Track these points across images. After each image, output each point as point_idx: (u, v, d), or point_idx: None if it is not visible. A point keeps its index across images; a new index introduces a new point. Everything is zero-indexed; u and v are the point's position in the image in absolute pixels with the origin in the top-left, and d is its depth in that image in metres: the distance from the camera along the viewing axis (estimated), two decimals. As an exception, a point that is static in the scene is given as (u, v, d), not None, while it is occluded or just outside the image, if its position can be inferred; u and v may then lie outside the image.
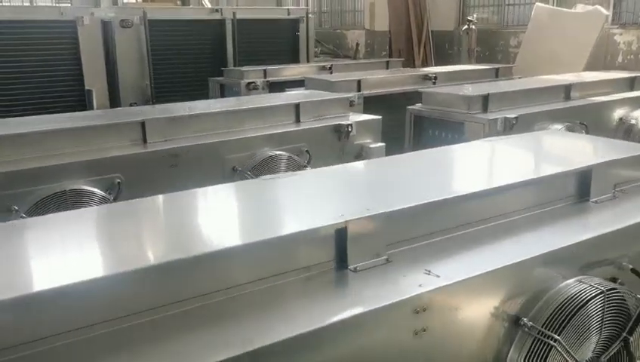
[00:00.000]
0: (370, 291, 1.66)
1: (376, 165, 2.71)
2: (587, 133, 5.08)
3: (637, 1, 9.76)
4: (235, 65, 9.39)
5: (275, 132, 4.09)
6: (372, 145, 4.48)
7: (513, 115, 4.64)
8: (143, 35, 8.78)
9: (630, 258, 2.17)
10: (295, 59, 10.44)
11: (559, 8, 10.24)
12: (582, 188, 2.40)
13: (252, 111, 4.28)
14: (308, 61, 10.56)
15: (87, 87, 8.41)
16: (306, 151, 4.13)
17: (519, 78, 7.53)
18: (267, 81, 7.86)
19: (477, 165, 2.54)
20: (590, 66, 9.10)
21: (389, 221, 1.85)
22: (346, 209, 1.86)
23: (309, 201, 2.04)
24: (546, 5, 10.38)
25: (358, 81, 6.41)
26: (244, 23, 9.76)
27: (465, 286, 1.72)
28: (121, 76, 8.81)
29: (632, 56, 9.68)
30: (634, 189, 2.55)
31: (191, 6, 11.72)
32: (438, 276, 1.71)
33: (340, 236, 1.76)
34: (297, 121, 4.43)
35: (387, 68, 9.37)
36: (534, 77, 6.72)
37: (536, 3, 10.44)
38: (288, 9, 10.64)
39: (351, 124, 4.36)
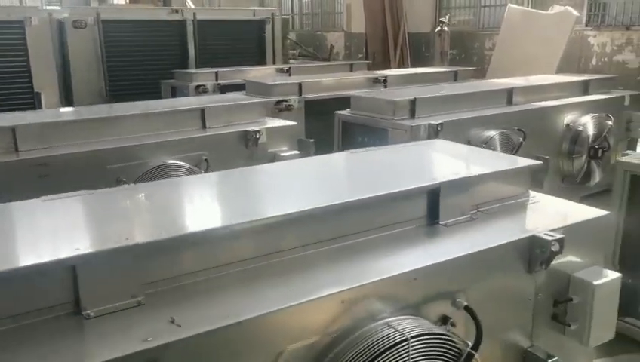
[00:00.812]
0: (89, 346, 1.36)
1: (217, 178, 2.41)
2: (524, 140, 4.77)
3: (611, 2, 9.43)
4: (196, 67, 9.18)
5: (168, 139, 3.79)
6: (284, 153, 4.17)
7: (438, 122, 4.32)
8: (97, 36, 8.53)
9: (468, 293, 1.85)
10: (262, 61, 10.19)
11: (531, 9, 9.93)
12: (432, 209, 2.09)
13: (150, 116, 3.99)
14: (274, 63, 10.30)
15: (36, 90, 8.16)
16: (205, 159, 3.83)
17: (478, 80, 7.22)
18: (218, 84, 7.59)
19: (318, 182, 2.23)
20: (564, 69, 8.78)
21: (145, 254, 1.54)
22: (93, 240, 1.56)
23: (56, 230, 1.73)
24: (518, 6, 10.06)
25: (299, 85, 6.12)
26: (206, 23, 9.51)
27: (214, 336, 1.42)
28: (75, 78, 8.57)
29: (606, 59, 9.36)
30: (502, 209, 2.23)
31: (142, 5, 11.41)
32: (179, 326, 1.40)
33: (73, 275, 1.46)
34: (204, 127, 4.13)
35: (351, 70, 9.09)
36: (485, 80, 6.42)
37: (509, 4, 10.12)
38: (254, 10, 10.35)
39: (259, 131, 4.06)
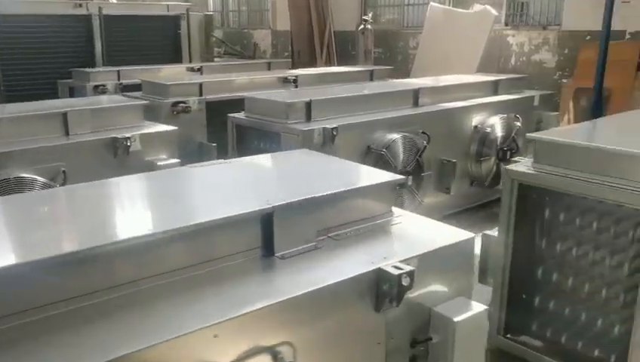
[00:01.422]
0: None
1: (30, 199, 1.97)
2: (428, 143, 4.53)
3: (530, 2, 9.46)
4: (104, 65, 8.58)
5: (18, 148, 3.29)
6: (162, 163, 3.74)
7: (333, 125, 4.01)
8: (-11, 31, 7.80)
9: (297, 344, 1.51)
10: (178, 59, 9.68)
11: (452, 8, 9.84)
12: (266, 238, 1.74)
13: (3, 122, 3.47)
14: (191, 61, 9.80)
15: None
16: (63, 171, 3.35)
17: (391, 80, 7.00)
18: (120, 84, 7.04)
19: (120, 210, 1.83)
20: (485, 68, 8.73)
21: None
22: None
23: None
24: (440, 5, 9.96)
25: (200, 85, 5.68)
26: (114, 19, 8.92)
27: None
28: (-36, 76, 7.80)
29: (524, 58, 9.37)
30: (356, 233, 1.91)
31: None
32: None
33: None
34: (67, 133, 3.64)
35: (269, 69, 8.73)
36: (394, 80, 6.20)
37: (431, 3, 10.01)
38: (167, 5, 9.77)
39: (129, 137, 3.61)
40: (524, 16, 9.57)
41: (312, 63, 11.89)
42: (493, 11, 8.95)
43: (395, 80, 6.21)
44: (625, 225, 2.55)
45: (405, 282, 1.66)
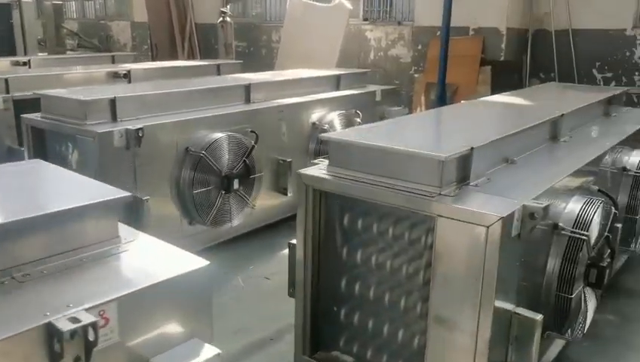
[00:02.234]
0: None
1: None
2: (256, 142, 4.21)
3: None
4: None
5: None
6: None
7: (137, 126, 3.54)
8: None
9: None
10: (12, 51, 8.67)
11: (310, 2, 9.67)
12: None
13: None
14: (25, 53, 8.82)
15: None
16: None
17: (231, 75, 6.63)
18: None
19: None
20: (345, 63, 8.64)
21: None
22: None
23: None
24: (300, -2, 9.75)
25: (6, 81, 4.94)
26: None
27: None
28: None
29: (382, 53, 9.43)
30: (56, 269, 1.50)
31: None
32: None
33: None
34: None
35: (113, 62, 8.02)
36: (229, 75, 5.83)
37: (290, -4, 9.78)
38: (-6, -9, 8.71)
39: None
40: (381, 11, 9.64)
41: (174, 57, 11.22)
42: (348, 5, 8.88)
43: (230, 75, 5.83)
44: (419, 231, 2.37)
45: (91, 337, 1.28)
